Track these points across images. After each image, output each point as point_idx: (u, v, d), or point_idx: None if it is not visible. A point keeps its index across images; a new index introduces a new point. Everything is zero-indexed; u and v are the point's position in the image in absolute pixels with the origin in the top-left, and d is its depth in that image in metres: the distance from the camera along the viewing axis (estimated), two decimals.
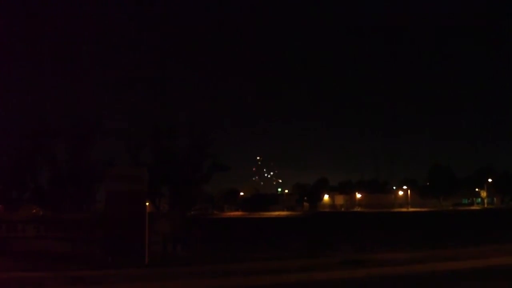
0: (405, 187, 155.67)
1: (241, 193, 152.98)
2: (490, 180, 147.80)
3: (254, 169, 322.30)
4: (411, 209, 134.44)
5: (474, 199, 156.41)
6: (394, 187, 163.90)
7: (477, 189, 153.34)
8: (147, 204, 30.81)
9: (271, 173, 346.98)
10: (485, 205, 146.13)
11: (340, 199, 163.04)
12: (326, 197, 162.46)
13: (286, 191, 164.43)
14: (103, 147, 46.13)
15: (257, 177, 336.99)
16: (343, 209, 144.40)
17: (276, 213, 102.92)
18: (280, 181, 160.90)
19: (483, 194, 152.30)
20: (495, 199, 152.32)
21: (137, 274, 22.44)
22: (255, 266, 24.50)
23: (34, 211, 60.04)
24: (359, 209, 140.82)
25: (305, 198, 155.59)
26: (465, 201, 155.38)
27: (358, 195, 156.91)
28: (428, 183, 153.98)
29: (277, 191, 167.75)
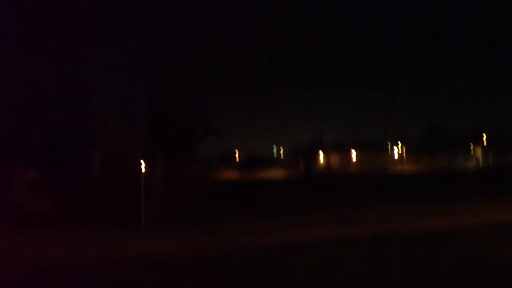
0: (400, 145, 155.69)
1: (236, 155, 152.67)
2: (484, 138, 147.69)
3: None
4: (405, 167, 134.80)
5: (469, 157, 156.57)
6: (389, 145, 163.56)
7: (472, 148, 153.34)
8: (143, 167, 30.93)
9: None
10: (480, 164, 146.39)
11: (335, 159, 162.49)
12: (321, 157, 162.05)
13: (282, 151, 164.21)
14: (96, 112, 45.97)
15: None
16: (338, 170, 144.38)
17: (272, 174, 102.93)
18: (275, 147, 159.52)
19: (478, 152, 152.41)
20: (490, 157, 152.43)
21: (133, 235, 22.63)
22: (249, 227, 24.73)
23: (30, 175, 60.14)
24: (354, 169, 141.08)
25: (301, 158, 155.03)
26: (460, 159, 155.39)
27: (353, 154, 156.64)
28: (423, 142, 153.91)
29: (272, 152, 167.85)
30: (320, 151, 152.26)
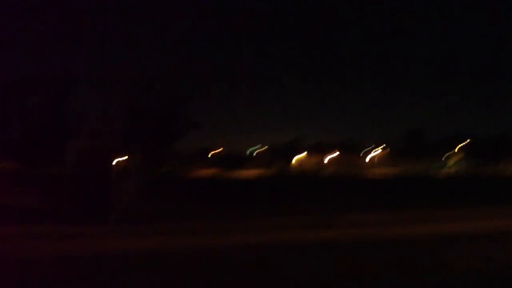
0: (379, 150, 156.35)
1: (214, 151, 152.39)
2: (461, 145, 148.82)
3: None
4: (383, 171, 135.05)
5: (446, 163, 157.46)
6: (367, 149, 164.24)
7: (449, 154, 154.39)
8: (117, 161, 30.75)
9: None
10: (457, 171, 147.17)
11: (313, 159, 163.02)
12: (300, 156, 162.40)
13: (259, 150, 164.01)
14: (76, 103, 45.61)
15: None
16: (315, 170, 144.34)
17: (249, 172, 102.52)
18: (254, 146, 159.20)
19: (455, 159, 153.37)
20: (466, 164, 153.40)
21: (103, 231, 22.44)
22: (222, 225, 24.58)
23: (4, 164, 59.55)
24: (331, 170, 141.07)
25: (279, 158, 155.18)
26: (437, 165, 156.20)
27: (331, 156, 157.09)
28: (401, 147, 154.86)
29: (250, 150, 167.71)
30: (298, 152, 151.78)
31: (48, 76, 45.05)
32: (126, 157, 42.51)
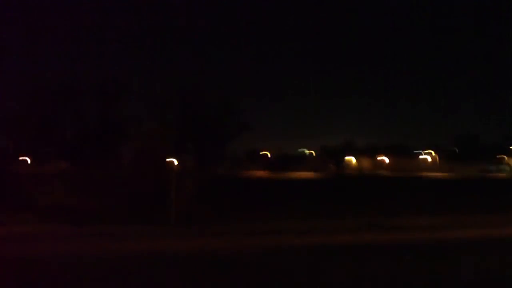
0: (432, 152, 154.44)
1: (267, 153, 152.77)
2: None
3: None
4: (437, 174, 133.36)
5: (502, 166, 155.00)
6: (422, 152, 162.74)
7: (505, 157, 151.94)
8: (173, 162, 30.88)
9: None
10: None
11: (366, 162, 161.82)
12: (352, 159, 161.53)
13: (313, 152, 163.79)
14: (129, 105, 46.06)
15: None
16: (368, 172, 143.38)
17: (302, 174, 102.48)
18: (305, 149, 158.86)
19: (511, 161, 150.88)
20: None
21: (162, 232, 22.48)
22: (279, 226, 24.46)
23: (62, 166, 60.51)
24: (384, 172, 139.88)
25: (331, 160, 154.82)
26: (492, 168, 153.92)
27: (385, 159, 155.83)
28: (455, 149, 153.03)
29: (303, 152, 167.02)
30: (351, 155, 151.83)
31: (100, 80, 45.69)
32: (181, 159, 42.80)
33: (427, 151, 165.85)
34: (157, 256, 16.94)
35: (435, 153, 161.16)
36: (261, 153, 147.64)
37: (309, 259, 16.86)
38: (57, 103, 44.58)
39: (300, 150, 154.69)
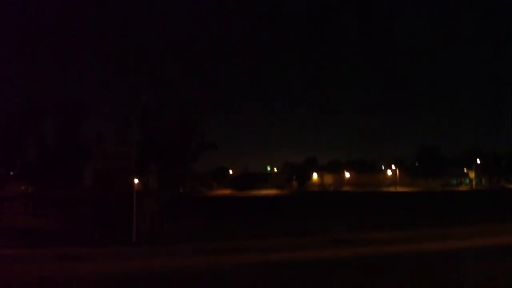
0: (393, 166, 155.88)
1: (230, 172, 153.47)
2: (478, 161, 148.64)
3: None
4: (399, 189, 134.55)
5: (463, 179, 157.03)
6: (383, 167, 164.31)
7: (465, 170, 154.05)
8: (135, 182, 30.80)
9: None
10: (473, 186, 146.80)
11: (329, 178, 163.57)
12: (315, 176, 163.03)
13: (275, 169, 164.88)
14: (91, 126, 45.89)
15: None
16: (331, 189, 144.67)
17: (265, 191, 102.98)
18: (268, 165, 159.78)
19: (472, 175, 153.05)
20: (483, 180, 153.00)
21: (124, 251, 22.44)
22: (241, 244, 24.54)
23: (23, 187, 60.01)
24: (347, 189, 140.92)
25: (294, 177, 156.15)
26: (454, 181, 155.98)
27: (347, 175, 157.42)
28: (416, 163, 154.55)
29: (266, 170, 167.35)
30: (314, 171, 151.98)
31: (62, 101, 45.47)
32: (143, 178, 42.70)
33: (389, 166, 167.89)
34: (111, 277, 16.86)
35: (396, 167, 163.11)
36: (228, 172, 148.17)
37: (264, 276, 16.89)
38: (17, 125, 44.31)
39: (266, 167, 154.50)
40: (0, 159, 46.91)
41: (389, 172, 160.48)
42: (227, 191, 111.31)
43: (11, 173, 49.10)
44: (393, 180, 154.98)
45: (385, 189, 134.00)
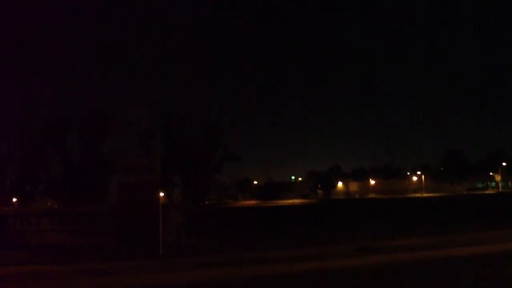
0: (418, 172, 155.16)
1: (255, 182, 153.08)
2: (504, 164, 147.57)
3: None
4: (425, 195, 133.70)
5: (489, 183, 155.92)
6: (408, 173, 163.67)
7: (491, 173, 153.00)
8: (160, 195, 30.79)
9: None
10: (500, 189, 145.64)
11: (354, 186, 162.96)
12: (340, 184, 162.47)
13: (300, 179, 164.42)
14: (115, 139, 45.96)
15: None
16: (357, 196, 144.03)
17: (290, 201, 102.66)
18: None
19: (498, 177, 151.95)
20: (510, 182, 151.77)
21: (152, 265, 22.40)
22: (268, 254, 24.40)
23: (49, 204, 60.31)
24: (373, 196, 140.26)
25: (319, 185, 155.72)
26: (480, 185, 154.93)
27: (372, 182, 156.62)
28: (441, 168, 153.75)
29: (290, 179, 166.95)
30: (339, 179, 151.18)
31: (85, 115, 45.57)
32: (168, 191, 42.71)
33: (414, 171, 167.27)
34: None
35: (421, 172, 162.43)
36: (253, 183, 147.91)
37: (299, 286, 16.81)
38: (41, 140, 44.49)
39: (290, 176, 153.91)
40: (26, 176, 47.20)
41: (415, 178, 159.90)
42: (252, 202, 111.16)
43: (37, 190, 49.38)
44: (418, 186, 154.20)
45: (411, 195, 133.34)
